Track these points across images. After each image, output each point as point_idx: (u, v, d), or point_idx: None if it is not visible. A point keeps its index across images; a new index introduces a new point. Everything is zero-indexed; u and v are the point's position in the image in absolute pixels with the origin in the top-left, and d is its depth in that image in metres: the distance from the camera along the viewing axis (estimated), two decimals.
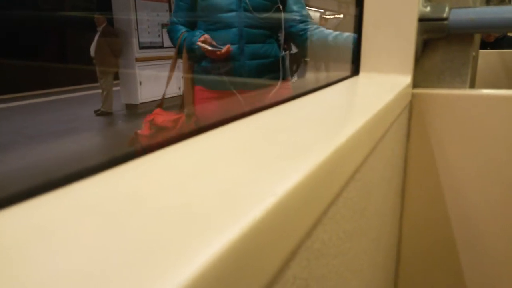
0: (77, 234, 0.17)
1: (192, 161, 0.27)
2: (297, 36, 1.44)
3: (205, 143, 0.32)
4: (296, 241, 0.24)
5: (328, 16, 12.00)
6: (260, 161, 0.27)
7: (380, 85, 0.75)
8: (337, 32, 1.35)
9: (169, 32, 1.49)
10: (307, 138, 0.34)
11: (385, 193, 0.63)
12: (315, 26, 1.43)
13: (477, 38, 1.07)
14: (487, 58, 1.70)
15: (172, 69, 1.51)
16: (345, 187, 0.36)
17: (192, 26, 1.44)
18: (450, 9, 0.83)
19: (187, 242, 0.16)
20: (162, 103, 1.47)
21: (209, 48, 1.33)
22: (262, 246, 0.19)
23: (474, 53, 0.91)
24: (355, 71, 0.86)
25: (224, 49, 1.33)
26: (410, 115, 0.85)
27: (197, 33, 1.37)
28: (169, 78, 1.53)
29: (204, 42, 1.35)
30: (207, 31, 1.38)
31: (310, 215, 0.27)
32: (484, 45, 2.38)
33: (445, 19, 0.82)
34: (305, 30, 1.42)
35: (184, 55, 1.41)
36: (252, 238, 0.18)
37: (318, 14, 11.26)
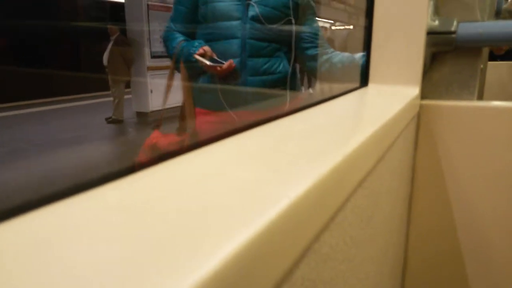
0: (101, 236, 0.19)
1: (210, 166, 0.29)
2: (311, 59, 1.31)
3: (219, 151, 0.33)
4: (305, 243, 0.26)
5: (336, 27, 12.07)
6: (272, 167, 0.29)
7: (389, 96, 0.76)
8: (360, 54, 1.23)
9: (165, 40, 1.30)
10: (317, 146, 0.35)
11: (392, 202, 0.64)
12: (331, 50, 1.32)
13: (485, 51, 1.08)
14: (496, 70, 1.70)
15: (170, 78, 1.31)
16: (353, 194, 0.37)
17: (191, 34, 1.27)
18: (458, 23, 0.84)
19: (205, 240, 0.17)
20: (160, 124, 1.30)
21: (208, 62, 1.16)
22: (275, 244, 0.21)
23: (482, 66, 0.92)
24: (364, 82, 0.88)
25: (225, 64, 1.16)
26: (418, 126, 0.86)
27: (196, 43, 1.21)
28: (166, 98, 1.34)
29: (203, 54, 1.18)
30: (207, 41, 1.22)
31: (318, 219, 0.28)
32: (494, 58, 2.37)
33: (453, 32, 0.84)
34: (317, 54, 1.28)
35: (182, 68, 1.24)
36: (267, 236, 0.19)
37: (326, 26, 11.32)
